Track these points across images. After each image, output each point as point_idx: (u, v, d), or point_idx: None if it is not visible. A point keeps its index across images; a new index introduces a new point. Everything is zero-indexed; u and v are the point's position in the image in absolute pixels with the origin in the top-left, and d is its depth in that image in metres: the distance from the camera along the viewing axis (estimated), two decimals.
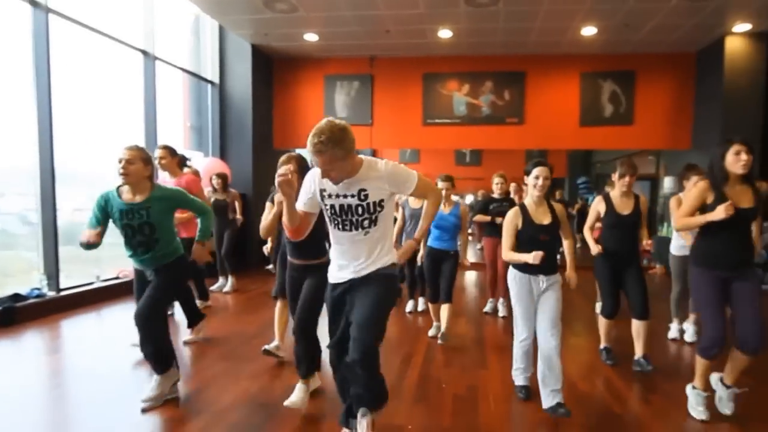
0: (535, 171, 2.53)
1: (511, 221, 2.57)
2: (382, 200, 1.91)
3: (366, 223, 1.91)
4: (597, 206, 3.24)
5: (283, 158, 2.66)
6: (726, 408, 2.48)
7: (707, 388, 2.50)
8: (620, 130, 7.10)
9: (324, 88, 7.97)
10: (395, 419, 2.47)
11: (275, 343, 3.34)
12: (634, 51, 6.91)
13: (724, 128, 6.10)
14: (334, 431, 2.26)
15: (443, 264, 3.85)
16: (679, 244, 3.66)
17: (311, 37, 6.91)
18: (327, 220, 1.99)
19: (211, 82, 7.68)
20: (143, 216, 2.49)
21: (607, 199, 3.20)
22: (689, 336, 3.79)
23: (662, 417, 2.59)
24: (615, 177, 3.18)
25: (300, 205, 1.95)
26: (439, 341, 3.79)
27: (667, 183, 6.32)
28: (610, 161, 11.54)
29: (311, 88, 8.00)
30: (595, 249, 3.16)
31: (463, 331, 4.26)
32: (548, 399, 2.43)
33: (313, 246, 2.66)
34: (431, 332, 4.01)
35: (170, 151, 3.79)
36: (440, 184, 3.82)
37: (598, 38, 6.47)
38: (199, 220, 2.83)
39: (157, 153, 3.70)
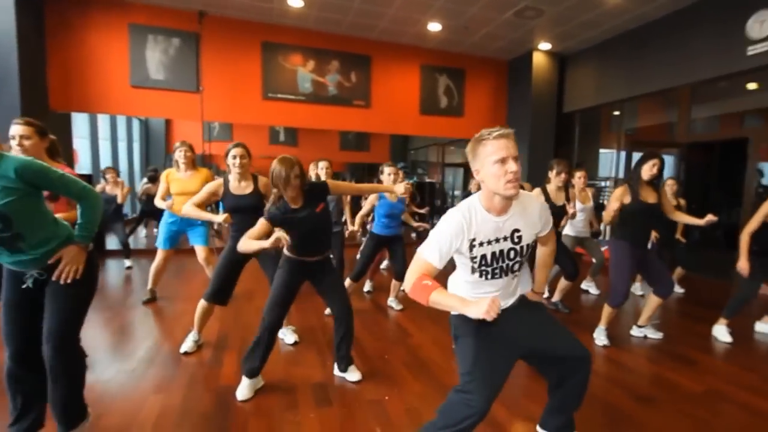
0: None
1: None
2: (531, 243, 1.75)
3: (516, 266, 1.74)
4: (538, 198, 3.78)
5: (279, 162, 2.35)
6: (657, 335, 3.62)
7: (609, 326, 3.51)
8: (453, 120, 8.07)
9: (129, 40, 6.43)
10: (367, 395, 2.58)
11: (193, 339, 3.20)
12: (464, 52, 7.89)
13: (531, 125, 7.68)
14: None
15: (395, 246, 4.02)
16: (576, 227, 4.57)
17: None
18: (467, 269, 1.72)
19: None
20: None
21: (545, 192, 3.86)
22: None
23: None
24: (552, 174, 3.83)
25: (435, 260, 1.60)
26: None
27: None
28: (422, 148, 13.08)
29: (109, 37, 6.34)
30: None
31: (365, 307, 4.46)
32: None
33: (329, 237, 2.68)
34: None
35: (37, 129, 2.39)
36: (387, 170, 3.94)
37: (438, 35, 7.14)
38: (78, 210, 1.95)
39: (17, 130, 2.30)
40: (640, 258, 3.31)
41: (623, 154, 7.48)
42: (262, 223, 2.33)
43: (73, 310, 1.94)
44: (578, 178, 4.44)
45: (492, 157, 1.54)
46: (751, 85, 6.08)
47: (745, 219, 5.19)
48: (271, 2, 6.20)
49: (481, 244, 1.63)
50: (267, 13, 6.57)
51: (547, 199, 3.81)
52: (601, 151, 8.22)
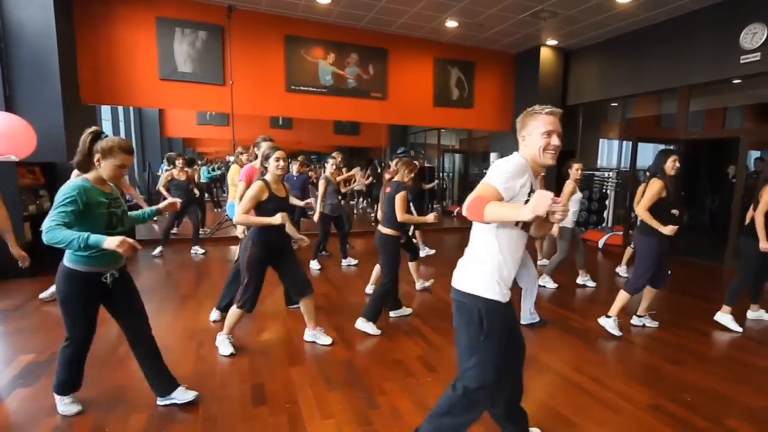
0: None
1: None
2: None
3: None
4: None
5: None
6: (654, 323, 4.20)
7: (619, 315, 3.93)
8: (464, 111, 9.05)
9: (156, 32, 7.03)
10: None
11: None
12: (475, 45, 8.82)
13: None
14: None
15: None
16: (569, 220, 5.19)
17: None
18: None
19: None
20: None
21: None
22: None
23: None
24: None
25: (500, 185, 1.69)
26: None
27: (494, 158, 8.80)
28: (420, 132, 14.10)
29: (136, 30, 6.94)
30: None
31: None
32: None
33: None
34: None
35: None
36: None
37: (453, 30, 8.00)
38: None
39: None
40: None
41: (625, 143, 8.50)
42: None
43: None
44: (575, 168, 5.07)
45: (541, 129, 1.77)
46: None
47: (735, 203, 6.39)
48: None
49: (531, 193, 1.73)
50: (289, 6, 7.25)
51: None
52: (602, 140, 9.40)
